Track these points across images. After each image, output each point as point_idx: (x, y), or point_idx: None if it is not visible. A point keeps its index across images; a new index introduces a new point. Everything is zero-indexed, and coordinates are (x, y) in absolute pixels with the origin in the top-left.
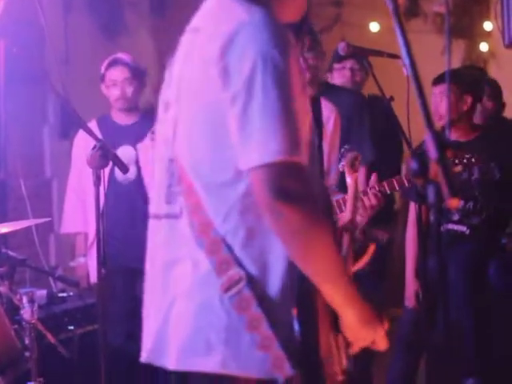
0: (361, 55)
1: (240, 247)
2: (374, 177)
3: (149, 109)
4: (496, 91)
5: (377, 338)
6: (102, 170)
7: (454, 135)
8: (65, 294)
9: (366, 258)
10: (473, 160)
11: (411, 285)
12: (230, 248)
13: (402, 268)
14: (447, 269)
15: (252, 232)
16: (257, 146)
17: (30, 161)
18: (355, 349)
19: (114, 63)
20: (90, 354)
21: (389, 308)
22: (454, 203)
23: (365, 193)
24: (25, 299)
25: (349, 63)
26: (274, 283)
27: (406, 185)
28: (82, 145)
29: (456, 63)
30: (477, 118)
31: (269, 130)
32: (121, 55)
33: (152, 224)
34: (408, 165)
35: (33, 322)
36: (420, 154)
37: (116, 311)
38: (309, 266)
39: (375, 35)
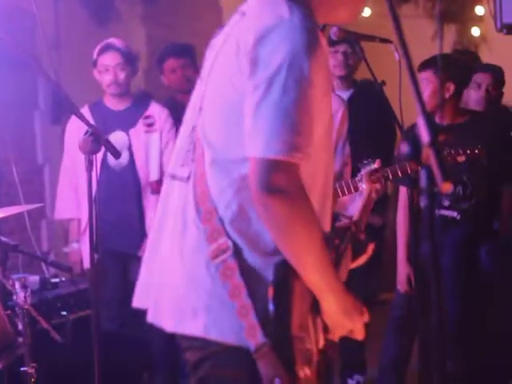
0: (353, 40)
1: (230, 220)
2: (377, 163)
3: (140, 94)
4: (500, 79)
5: (355, 328)
6: (94, 156)
7: (439, 121)
8: (57, 280)
9: (365, 257)
10: (476, 151)
11: (403, 269)
12: (221, 219)
13: (395, 253)
14: (440, 255)
15: (243, 209)
16: (261, 140)
17: (21, 147)
18: (333, 336)
19: (107, 48)
20: (83, 340)
21: (382, 292)
22: (446, 187)
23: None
24: (17, 285)
25: (342, 47)
26: (257, 258)
27: (409, 173)
28: (75, 130)
29: (447, 48)
30: (480, 106)
31: (277, 128)
32: (113, 40)
33: (167, 182)
34: (400, 149)
35: (26, 307)
36: (412, 137)
37: (109, 297)
38: (292, 256)
39: (366, 20)
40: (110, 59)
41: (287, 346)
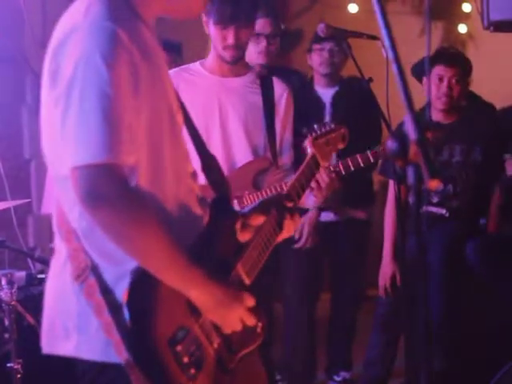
0: (340, 37)
1: (84, 236)
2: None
3: None
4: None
5: (239, 316)
6: None
7: (436, 116)
8: (43, 276)
9: (292, 226)
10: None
11: (387, 269)
12: (78, 237)
13: (382, 248)
14: (427, 251)
15: (92, 222)
16: (70, 150)
17: (8, 141)
18: (226, 330)
19: None
20: None
21: (369, 288)
22: (434, 184)
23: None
24: (4, 281)
25: (328, 45)
26: (115, 270)
27: (372, 161)
28: None
29: (434, 45)
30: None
31: (81, 135)
32: None
33: None
34: (387, 146)
35: (12, 303)
36: (400, 135)
37: None
38: (138, 260)
39: (354, 16)
40: None
41: (150, 357)
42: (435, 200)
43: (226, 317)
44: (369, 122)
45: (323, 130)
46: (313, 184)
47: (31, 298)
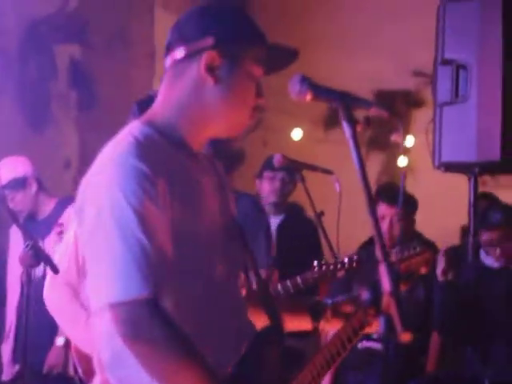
0: (294, 168)
1: (108, 368)
2: (275, 274)
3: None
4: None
5: None
6: (32, 269)
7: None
8: None
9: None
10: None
11: None
12: (104, 369)
13: None
14: None
15: (117, 355)
16: (94, 290)
17: None
18: None
19: None
20: None
21: None
22: (407, 337)
23: None
24: None
25: (280, 174)
26: None
27: (311, 281)
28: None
29: (373, 176)
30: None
31: (105, 275)
32: None
33: None
34: (361, 295)
35: None
36: (373, 284)
37: None
38: None
39: (297, 142)
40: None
41: None
42: (374, 335)
43: None
44: (311, 251)
45: (406, 253)
46: None
47: None
